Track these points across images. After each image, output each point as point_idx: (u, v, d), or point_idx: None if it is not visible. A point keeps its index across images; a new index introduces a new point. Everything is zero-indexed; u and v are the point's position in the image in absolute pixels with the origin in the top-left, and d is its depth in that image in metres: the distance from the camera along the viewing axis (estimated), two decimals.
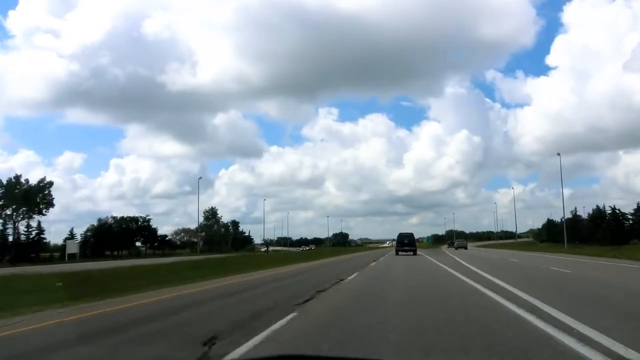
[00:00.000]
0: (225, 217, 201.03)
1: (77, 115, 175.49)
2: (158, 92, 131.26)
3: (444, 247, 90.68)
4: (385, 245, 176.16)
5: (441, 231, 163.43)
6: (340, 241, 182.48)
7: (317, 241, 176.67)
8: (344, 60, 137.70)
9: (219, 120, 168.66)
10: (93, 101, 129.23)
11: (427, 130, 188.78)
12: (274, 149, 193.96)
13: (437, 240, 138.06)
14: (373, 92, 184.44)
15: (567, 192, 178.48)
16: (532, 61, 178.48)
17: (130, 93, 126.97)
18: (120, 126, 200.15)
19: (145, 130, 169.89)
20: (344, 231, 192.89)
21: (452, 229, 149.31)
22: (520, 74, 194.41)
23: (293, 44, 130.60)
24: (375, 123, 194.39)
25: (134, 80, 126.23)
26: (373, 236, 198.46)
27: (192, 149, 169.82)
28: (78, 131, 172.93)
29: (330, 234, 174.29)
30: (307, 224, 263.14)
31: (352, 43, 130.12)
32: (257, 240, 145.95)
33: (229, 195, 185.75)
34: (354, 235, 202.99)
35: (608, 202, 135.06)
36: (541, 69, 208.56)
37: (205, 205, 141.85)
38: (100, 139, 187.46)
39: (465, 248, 75.63)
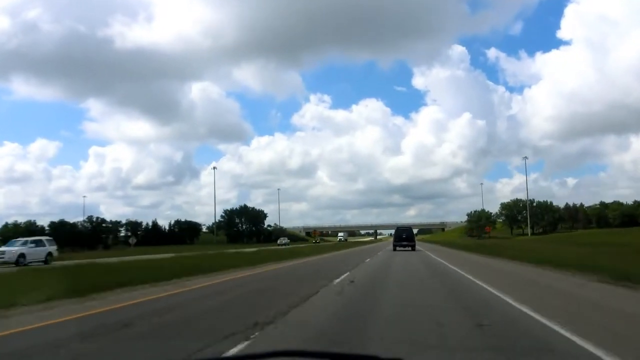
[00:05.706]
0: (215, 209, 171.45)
1: (24, 89, 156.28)
2: (116, 56, 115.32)
3: None
4: (340, 237, 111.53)
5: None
6: (246, 231, 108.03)
7: (193, 229, 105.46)
8: (333, 10, 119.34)
9: (195, 94, 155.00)
10: (42, 71, 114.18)
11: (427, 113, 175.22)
12: (263, 138, 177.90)
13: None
14: (369, 54, 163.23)
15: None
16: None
17: (84, 59, 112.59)
18: (79, 104, 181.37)
19: (107, 106, 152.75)
20: (255, 206, 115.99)
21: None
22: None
23: None
24: (370, 110, 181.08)
25: (82, 42, 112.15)
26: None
27: (165, 130, 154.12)
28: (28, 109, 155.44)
29: (220, 214, 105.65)
30: (302, 216, 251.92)
31: None
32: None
33: (214, 186, 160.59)
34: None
35: None
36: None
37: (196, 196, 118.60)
38: (58, 119, 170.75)
39: None
